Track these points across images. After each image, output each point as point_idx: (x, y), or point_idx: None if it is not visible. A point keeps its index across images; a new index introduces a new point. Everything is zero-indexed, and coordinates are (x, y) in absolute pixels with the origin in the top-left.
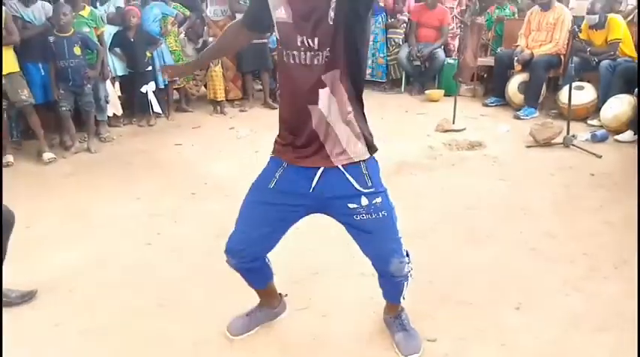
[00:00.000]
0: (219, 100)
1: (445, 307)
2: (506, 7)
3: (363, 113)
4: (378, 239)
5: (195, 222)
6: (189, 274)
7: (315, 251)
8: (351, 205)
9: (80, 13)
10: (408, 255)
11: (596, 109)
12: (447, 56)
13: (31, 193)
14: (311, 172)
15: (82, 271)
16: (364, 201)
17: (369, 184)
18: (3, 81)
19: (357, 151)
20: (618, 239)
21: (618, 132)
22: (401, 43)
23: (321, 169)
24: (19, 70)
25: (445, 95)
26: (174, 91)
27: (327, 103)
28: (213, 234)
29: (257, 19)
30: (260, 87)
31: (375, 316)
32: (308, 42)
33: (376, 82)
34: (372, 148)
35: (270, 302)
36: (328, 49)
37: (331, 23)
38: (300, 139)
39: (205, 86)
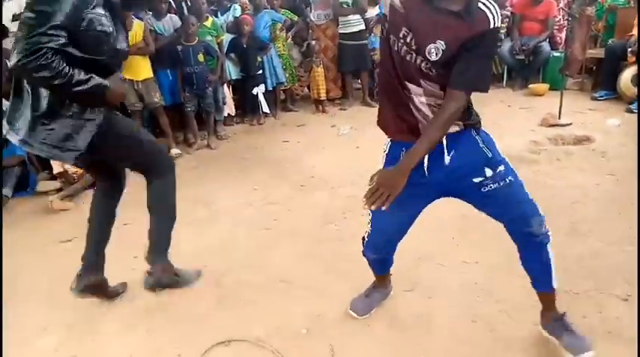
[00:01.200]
0: (321, 99)
1: None
2: None
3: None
4: (512, 204)
5: (306, 210)
6: (305, 255)
7: (418, 239)
8: (475, 180)
9: (204, 23)
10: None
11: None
12: (552, 49)
13: None
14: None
15: (210, 252)
16: (488, 172)
17: (489, 155)
18: (140, 86)
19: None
20: None
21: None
22: (503, 37)
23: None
24: (152, 76)
25: (550, 89)
26: (281, 92)
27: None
28: (322, 221)
29: None
30: (359, 86)
31: (480, 301)
32: (409, 40)
33: None
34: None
35: (384, 283)
36: (422, 62)
37: (427, 55)
38: (399, 110)
39: (308, 87)
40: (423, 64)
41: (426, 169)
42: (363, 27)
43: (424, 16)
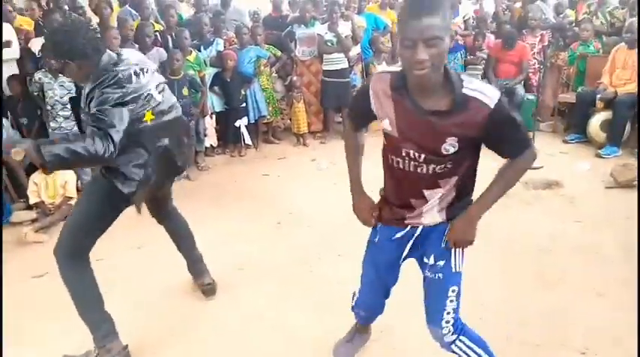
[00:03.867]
0: (301, 132)
1: (511, 348)
2: (591, 43)
3: (463, 193)
4: (429, 300)
5: (281, 250)
6: (277, 298)
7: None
8: (424, 259)
9: (187, 57)
10: (457, 327)
11: None
12: (527, 91)
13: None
14: (409, 231)
15: (181, 290)
16: (432, 260)
17: (442, 245)
18: None
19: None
20: None
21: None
22: (480, 79)
23: (420, 228)
24: None
25: None
26: (264, 125)
27: (429, 197)
28: (297, 262)
29: (360, 121)
30: (340, 119)
31: None
32: (414, 155)
33: None
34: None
35: (367, 329)
36: (437, 167)
37: (444, 153)
38: (398, 211)
39: (290, 120)
40: (437, 168)
41: (406, 252)
42: (346, 65)
43: (420, 127)
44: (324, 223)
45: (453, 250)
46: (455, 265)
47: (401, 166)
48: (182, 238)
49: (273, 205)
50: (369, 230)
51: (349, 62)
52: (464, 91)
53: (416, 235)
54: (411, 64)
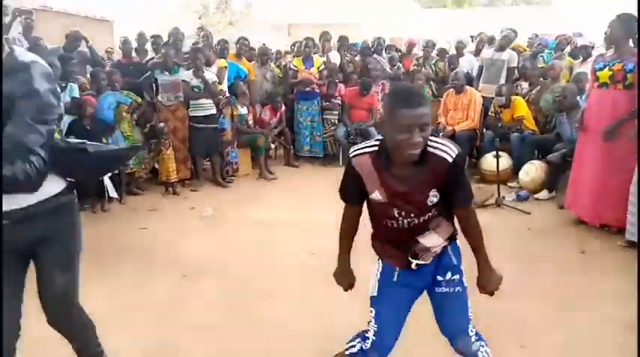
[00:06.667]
0: (171, 181)
1: None
2: (423, 90)
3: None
4: (450, 314)
5: (200, 302)
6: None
7: None
8: (438, 277)
9: None
10: (478, 335)
11: (512, 173)
12: (378, 133)
13: None
14: (427, 268)
15: None
16: (447, 275)
17: (454, 261)
18: None
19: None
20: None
21: (536, 191)
22: (336, 122)
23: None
24: None
25: None
26: (126, 176)
27: (427, 239)
28: (230, 308)
29: (358, 197)
30: (206, 164)
31: None
32: (405, 213)
33: (315, 157)
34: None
35: None
36: (426, 215)
37: (430, 204)
38: (401, 258)
39: (152, 169)
40: (428, 216)
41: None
42: (214, 111)
43: (406, 191)
44: (234, 271)
45: (461, 267)
46: (465, 279)
47: (395, 225)
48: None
49: (167, 260)
50: (288, 270)
51: (218, 107)
52: (430, 150)
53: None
54: (407, 146)
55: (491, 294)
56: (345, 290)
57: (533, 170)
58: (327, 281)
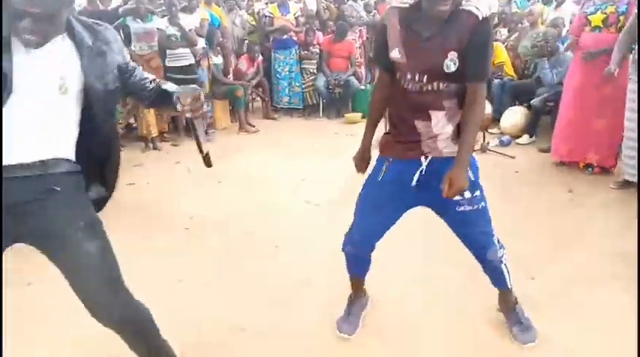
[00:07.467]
0: (152, 136)
1: None
2: None
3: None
4: (475, 231)
5: (205, 253)
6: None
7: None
8: (458, 196)
9: None
10: (500, 243)
11: (492, 119)
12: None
13: None
14: (417, 163)
15: None
16: (467, 194)
17: (472, 178)
18: None
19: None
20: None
21: (517, 137)
22: (315, 72)
23: (429, 157)
24: None
25: (363, 118)
26: None
27: (436, 119)
28: (230, 261)
29: (387, 60)
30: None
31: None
32: (421, 77)
33: (294, 108)
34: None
35: (360, 293)
36: (440, 84)
37: (446, 70)
38: (408, 137)
39: (130, 124)
40: (442, 86)
41: (415, 182)
42: (192, 61)
43: (425, 49)
44: (233, 223)
45: (479, 181)
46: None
47: (410, 87)
48: None
49: (165, 214)
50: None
51: (195, 57)
52: (462, 7)
53: (425, 165)
54: (437, 2)
55: (454, 194)
56: (358, 172)
57: (513, 116)
58: (329, 229)
